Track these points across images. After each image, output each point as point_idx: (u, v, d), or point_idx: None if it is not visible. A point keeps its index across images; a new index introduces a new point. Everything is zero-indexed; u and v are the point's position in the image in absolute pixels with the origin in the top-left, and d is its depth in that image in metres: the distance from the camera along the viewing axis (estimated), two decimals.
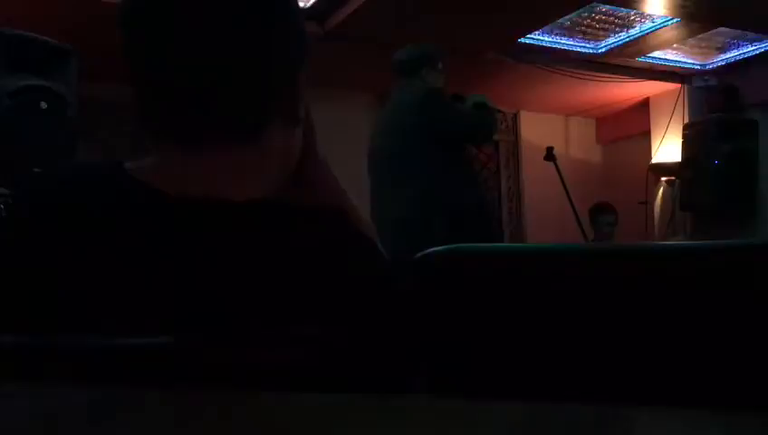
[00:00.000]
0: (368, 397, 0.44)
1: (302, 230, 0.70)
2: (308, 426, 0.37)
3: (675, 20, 4.16)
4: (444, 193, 2.86)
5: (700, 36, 4.55)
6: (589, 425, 0.35)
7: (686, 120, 5.12)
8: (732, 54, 4.92)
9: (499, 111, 3.26)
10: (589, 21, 4.31)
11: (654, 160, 5.47)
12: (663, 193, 5.48)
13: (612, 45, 4.60)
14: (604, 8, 4.09)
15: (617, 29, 4.43)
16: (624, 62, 4.88)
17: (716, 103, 4.91)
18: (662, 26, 4.29)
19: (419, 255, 0.79)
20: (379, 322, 0.69)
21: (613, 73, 5.00)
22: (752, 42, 4.71)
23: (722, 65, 5.04)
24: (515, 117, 6.03)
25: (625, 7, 4.05)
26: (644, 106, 5.73)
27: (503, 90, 3.27)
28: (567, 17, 4.17)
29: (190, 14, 0.69)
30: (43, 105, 2.33)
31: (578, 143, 6.28)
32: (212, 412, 0.40)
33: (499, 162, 6.07)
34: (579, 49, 4.65)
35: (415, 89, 3.01)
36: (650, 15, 4.17)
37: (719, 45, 4.81)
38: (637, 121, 5.86)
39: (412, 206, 2.82)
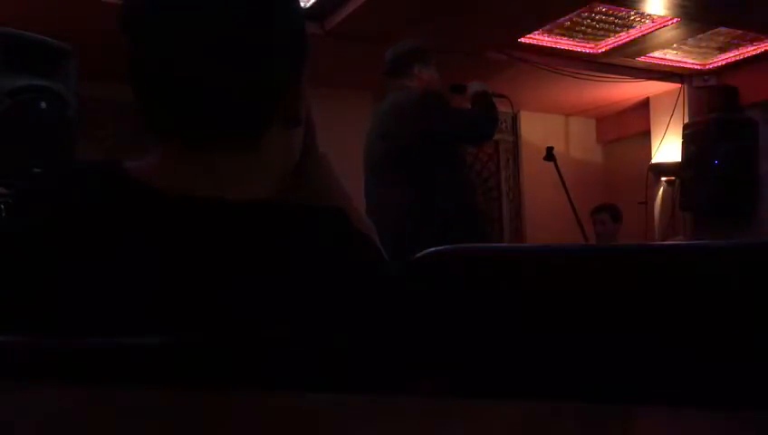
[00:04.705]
0: (368, 397, 0.44)
1: (303, 230, 0.70)
2: (308, 426, 0.37)
3: (675, 20, 4.16)
4: (433, 200, 2.75)
5: (700, 36, 4.55)
6: (589, 425, 0.35)
7: (686, 120, 5.12)
8: (732, 54, 4.92)
9: (501, 96, 3.14)
10: (589, 21, 4.31)
11: (654, 160, 5.47)
12: (663, 193, 5.48)
13: (612, 45, 4.60)
14: (604, 8, 4.09)
15: (617, 29, 4.43)
16: (624, 62, 4.88)
17: (716, 103, 4.92)
18: (662, 26, 4.29)
19: (419, 255, 0.79)
20: (380, 322, 0.69)
21: (613, 73, 5.00)
22: (751, 42, 4.71)
23: (722, 65, 5.04)
24: (515, 117, 6.03)
25: (625, 7, 4.05)
26: (644, 106, 5.73)
27: (503, 90, 3.26)
28: (567, 17, 4.17)
29: (191, 15, 0.69)
30: (43, 105, 2.33)
31: (578, 143, 6.28)
32: (212, 412, 0.40)
33: (499, 162, 6.07)
34: (579, 49, 4.65)
35: (409, 92, 2.85)
36: (650, 15, 4.17)
37: (719, 45, 4.81)
38: (637, 121, 5.86)
39: (400, 215, 2.71)
